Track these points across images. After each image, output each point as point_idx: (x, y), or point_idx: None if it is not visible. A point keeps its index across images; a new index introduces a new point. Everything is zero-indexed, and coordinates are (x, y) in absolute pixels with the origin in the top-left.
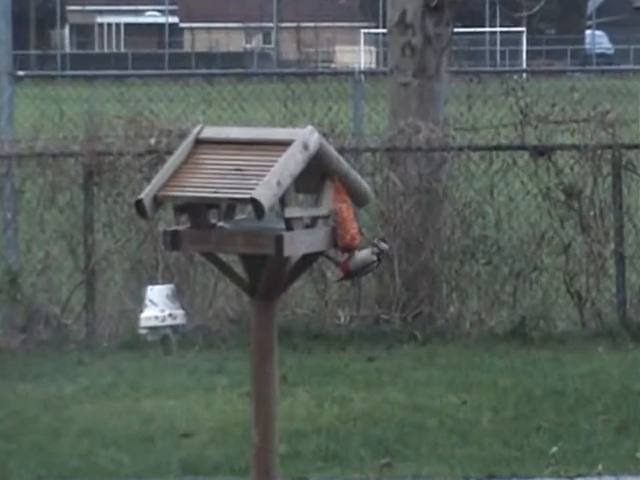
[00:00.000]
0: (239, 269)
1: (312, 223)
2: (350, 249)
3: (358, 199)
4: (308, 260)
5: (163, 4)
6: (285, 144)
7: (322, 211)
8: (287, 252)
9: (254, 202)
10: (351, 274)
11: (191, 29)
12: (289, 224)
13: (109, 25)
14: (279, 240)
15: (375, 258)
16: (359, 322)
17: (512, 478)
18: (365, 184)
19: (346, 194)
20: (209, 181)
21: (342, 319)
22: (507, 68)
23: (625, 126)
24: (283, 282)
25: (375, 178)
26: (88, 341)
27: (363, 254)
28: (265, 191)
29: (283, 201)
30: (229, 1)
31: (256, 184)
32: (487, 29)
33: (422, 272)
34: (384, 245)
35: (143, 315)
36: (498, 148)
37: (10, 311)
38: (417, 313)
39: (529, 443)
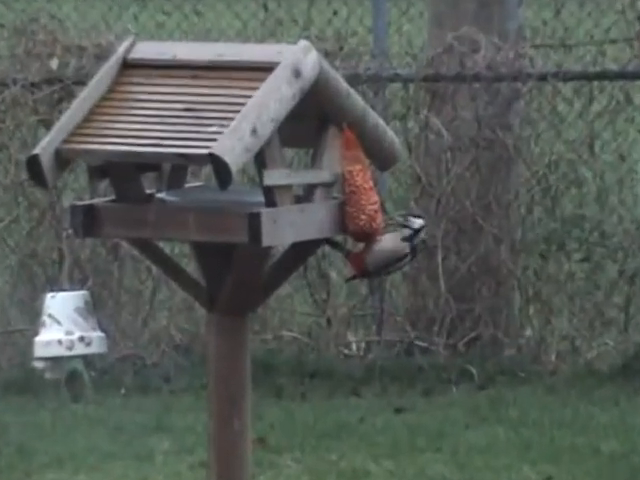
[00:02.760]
0: (191, 267)
1: (307, 195)
2: (367, 236)
3: (380, 157)
4: (301, 253)
5: None
6: (264, 69)
7: (323, 176)
8: (267, 240)
9: (215, 161)
10: (369, 274)
11: None
12: (271, 196)
13: None
14: (254, 221)
15: (406, 249)
16: (381, 352)
17: None
18: (392, 134)
19: (361, 149)
20: (144, 128)
21: (354, 347)
22: None
23: None
24: (260, 288)
25: (407, 124)
26: None
27: (388, 242)
28: (232, 144)
29: (261, 160)
30: None
31: (218, 133)
32: None
33: (481, 273)
34: (420, 221)
35: (39, 339)
36: (603, 77)
37: None
38: (473, 338)
39: None
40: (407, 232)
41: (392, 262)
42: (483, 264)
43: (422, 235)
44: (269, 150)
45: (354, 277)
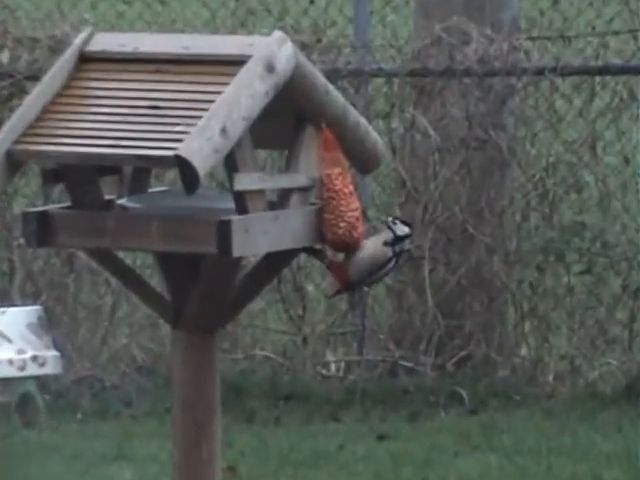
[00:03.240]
0: (155, 280)
1: (282, 201)
2: (347, 246)
3: (362, 159)
4: (274, 264)
5: None
6: (234, 63)
7: (299, 180)
8: (238, 250)
9: (181, 163)
10: (353, 285)
11: None
12: (242, 202)
13: None
14: (224, 229)
15: (389, 253)
16: (362, 372)
17: None
18: (374, 134)
19: (341, 151)
20: (103, 127)
21: (333, 367)
22: None
23: None
24: (230, 303)
25: (391, 123)
26: None
27: (369, 248)
28: (200, 145)
29: (232, 162)
30: None
31: (184, 132)
32: None
33: (472, 286)
34: (404, 229)
35: None
36: (605, 71)
37: None
38: (463, 357)
39: None
40: (389, 236)
41: (375, 269)
42: (474, 276)
43: (406, 243)
44: (240, 151)
45: (339, 292)
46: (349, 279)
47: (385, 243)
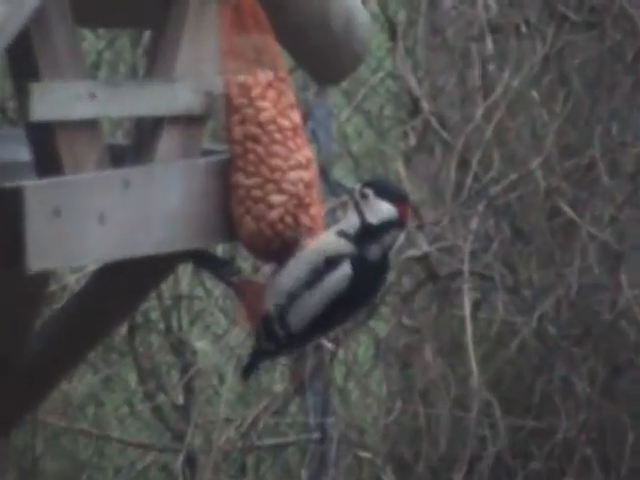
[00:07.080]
0: None
1: (140, 146)
2: (284, 247)
3: (321, 55)
4: (122, 290)
5: None
6: None
7: (178, 99)
8: (38, 258)
9: None
10: (271, 331)
11: None
12: (48, 148)
13: None
14: (10, 210)
15: (344, 248)
16: None
17: None
18: None
19: (273, 34)
20: None
21: None
22: None
23: None
24: (23, 376)
25: None
26: None
27: (312, 243)
28: None
29: (26, 59)
30: None
31: None
32: None
33: (571, 339)
34: (384, 210)
35: None
36: None
37: None
38: (553, 463)
39: None
40: (352, 221)
41: (304, 290)
42: (575, 318)
43: (393, 239)
44: (44, 34)
45: (258, 353)
46: (267, 314)
47: (341, 233)
